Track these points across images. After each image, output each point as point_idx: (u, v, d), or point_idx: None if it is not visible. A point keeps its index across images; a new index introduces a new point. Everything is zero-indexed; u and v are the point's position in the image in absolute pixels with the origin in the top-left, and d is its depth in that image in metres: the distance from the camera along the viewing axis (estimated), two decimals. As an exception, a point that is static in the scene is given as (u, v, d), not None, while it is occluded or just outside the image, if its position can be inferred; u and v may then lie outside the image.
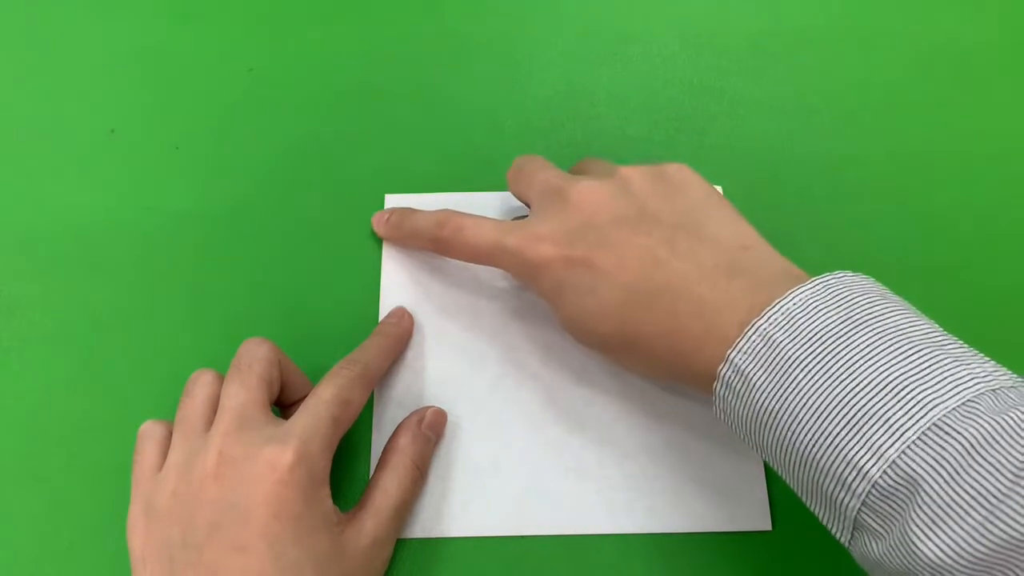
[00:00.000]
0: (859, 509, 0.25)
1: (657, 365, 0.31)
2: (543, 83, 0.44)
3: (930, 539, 0.23)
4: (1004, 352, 0.37)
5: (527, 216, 0.35)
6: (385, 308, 0.39)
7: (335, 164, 0.43)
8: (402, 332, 0.37)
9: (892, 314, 0.26)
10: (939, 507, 0.23)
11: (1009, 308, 0.38)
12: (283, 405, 0.35)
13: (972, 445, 0.23)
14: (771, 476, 0.35)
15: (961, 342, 0.26)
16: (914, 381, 0.24)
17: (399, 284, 0.39)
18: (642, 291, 0.30)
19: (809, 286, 0.27)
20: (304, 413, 0.31)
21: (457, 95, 0.44)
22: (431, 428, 0.35)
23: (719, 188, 0.33)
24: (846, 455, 0.24)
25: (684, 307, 0.29)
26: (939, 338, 0.25)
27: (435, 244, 0.36)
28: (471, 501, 0.35)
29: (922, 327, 0.26)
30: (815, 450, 0.25)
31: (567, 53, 0.45)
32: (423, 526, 0.34)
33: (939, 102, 0.43)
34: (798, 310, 0.26)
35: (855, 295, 0.26)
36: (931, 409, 0.23)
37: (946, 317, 0.38)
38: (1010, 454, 0.22)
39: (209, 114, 0.44)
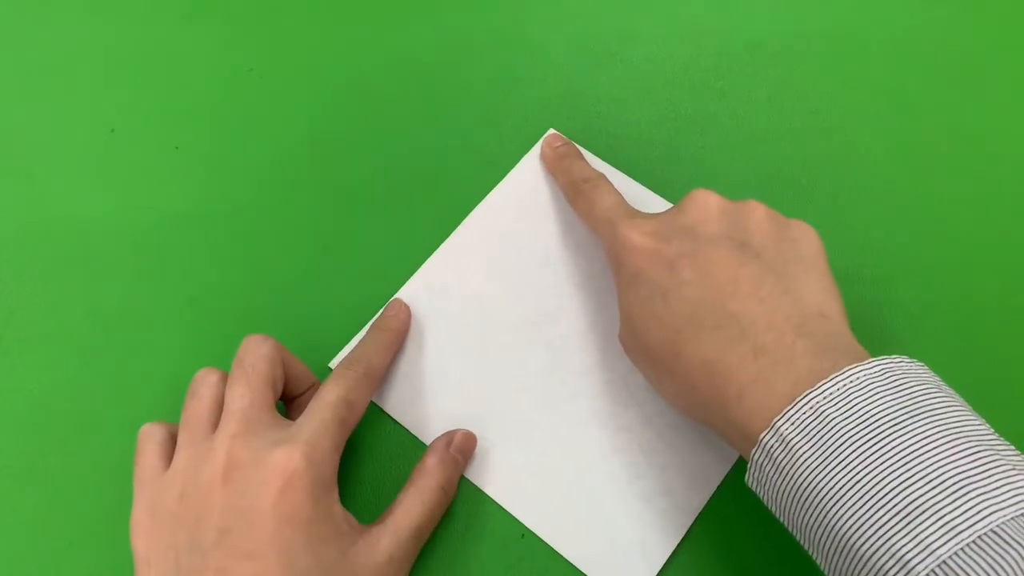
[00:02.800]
0: None
1: (693, 396, 0.30)
2: (543, 83, 0.44)
3: None
4: (1004, 353, 0.37)
5: None
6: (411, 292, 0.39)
7: (335, 164, 0.43)
8: (401, 326, 0.37)
9: (949, 410, 0.25)
10: None
11: (1009, 308, 0.38)
12: (287, 399, 0.35)
13: None
14: (677, 559, 0.33)
15: (1014, 448, 0.25)
16: (972, 483, 0.23)
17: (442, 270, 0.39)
18: (709, 314, 0.29)
19: (867, 366, 0.26)
20: (310, 417, 0.31)
21: (457, 95, 0.44)
22: (459, 451, 0.34)
23: (710, 191, 0.33)
24: (891, 547, 0.23)
25: (742, 346, 0.28)
26: (995, 442, 0.25)
27: (572, 190, 0.39)
28: None
29: (978, 427, 0.25)
30: (857, 536, 0.24)
31: (567, 53, 0.45)
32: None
33: (939, 102, 0.43)
34: (854, 388, 0.25)
35: (913, 383, 0.26)
36: (990, 514, 0.23)
37: (946, 317, 0.38)
38: None
39: (209, 114, 0.44)
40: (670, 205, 0.40)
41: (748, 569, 0.33)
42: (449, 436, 0.35)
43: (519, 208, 0.41)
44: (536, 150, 0.42)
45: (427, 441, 0.36)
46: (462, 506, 0.35)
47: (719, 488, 0.34)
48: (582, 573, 0.33)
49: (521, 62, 0.45)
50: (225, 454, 0.30)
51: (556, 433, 0.36)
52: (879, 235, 0.40)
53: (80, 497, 0.35)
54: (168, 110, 0.44)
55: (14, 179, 0.43)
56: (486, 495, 0.35)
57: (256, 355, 0.32)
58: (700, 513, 0.34)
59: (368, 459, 0.36)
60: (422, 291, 0.39)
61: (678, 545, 0.33)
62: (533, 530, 0.34)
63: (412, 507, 0.32)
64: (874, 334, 0.30)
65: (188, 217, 0.41)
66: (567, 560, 0.33)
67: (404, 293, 0.39)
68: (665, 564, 0.33)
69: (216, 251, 0.41)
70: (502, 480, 0.35)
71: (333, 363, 0.37)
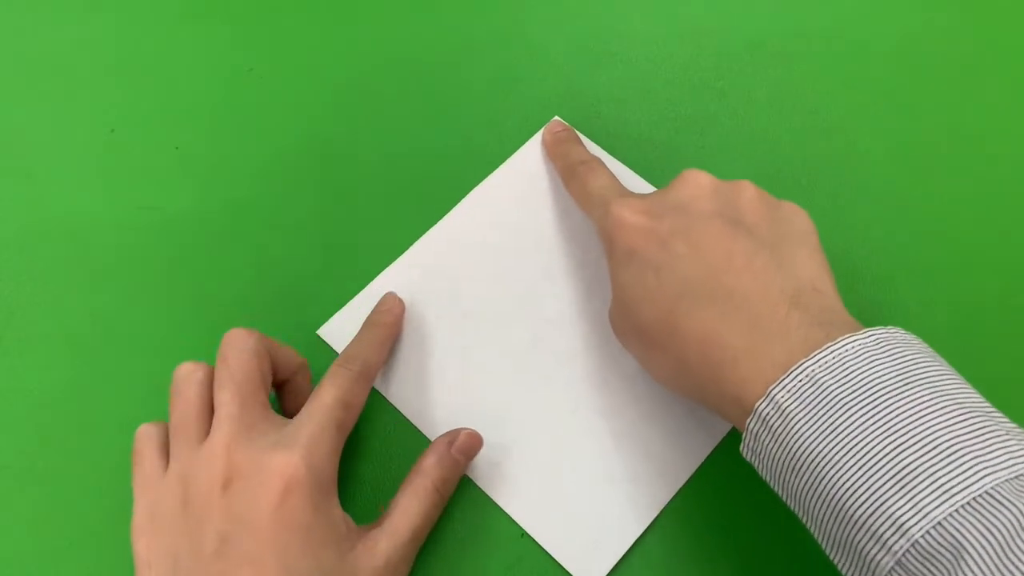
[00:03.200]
0: (892, 568, 0.24)
1: (686, 373, 0.30)
2: (543, 83, 0.44)
3: None
4: (1003, 352, 0.37)
5: None
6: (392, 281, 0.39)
7: (335, 164, 0.43)
8: (395, 320, 0.37)
9: (943, 377, 0.25)
10: None
11: (1009, 308, 0.38)
12: (277, 385, 0.35)
13: None
14: (643, 548, 0.34)
15: (1008, 418, 0.25)
16: (967, 446, 0.23)
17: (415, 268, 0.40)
18: (703, 289, 0.29)
19: (862, 336, 0.26)
20: (308, 419, 0.31)
21: (457, 95, 0.44)
22: (461, 451, 0.34)
23: (701, 170, 0.34)
24: (886, 510, 0.23)
25: (736, 320, 0.28)
26: (989, 410, 0.25)
27: (568, 172, 0.39)
28: None
29: (972, 396, 0.25)
30: (852, 501, 0.24)
31: (567, 53, 0.45)
32: None
33: (939, 102, 0.43)
34: (850, 356, 0.26)
35: (908, 353, 0.26)
36: (984, 476, 0.23)
37: (946, 317, 0.38)
38: None
39: (209, 114, 0.44)
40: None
41: (730, 541, 0.34)
42: (452, 435, 0.34)
43: (517, 194, 0.41)
44: (538, 138, 0.42)
45: (419, 425, 0.36)
46: (462, 505, 0.35)
47: (705, 462, 0.35)
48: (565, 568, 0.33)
49: (521, 62, 0.45)
50: (223, 460, 0.29)
51: (546, 419, 0.36)
52: (879, 235, 0.40)
53: (80, 497, 0.35)
54: (168, 110, 0.44)
55: (14, 179, 0.43)
56: (486, 496, 0.35)
57: (241, 350, 0.32)
58: (682, 488, 0.34)
59: (369, 457, 0.36)
60: (412, 270, 0.39)
61: (654, 522, 0.34)
62: (506, 509, 0.34)
63: (408, 509, 0.32)
64: (874, 334, 0.30)
65: (188, 217, 0.41)
66: (532, 536, 0.34)
67: (394, 269, 0.39)
68: (644, 543, 0.33)
69: (216, 251, 0.40)
70: (492, 467, 0.35)
71: (320, 331, 0.38)
